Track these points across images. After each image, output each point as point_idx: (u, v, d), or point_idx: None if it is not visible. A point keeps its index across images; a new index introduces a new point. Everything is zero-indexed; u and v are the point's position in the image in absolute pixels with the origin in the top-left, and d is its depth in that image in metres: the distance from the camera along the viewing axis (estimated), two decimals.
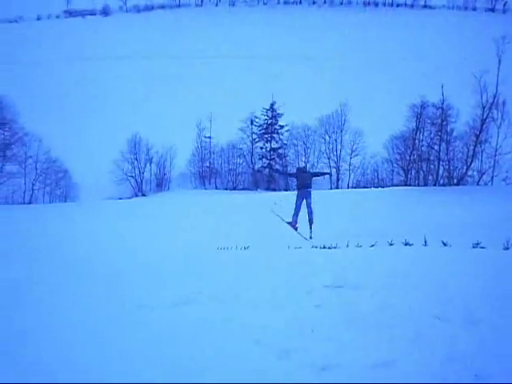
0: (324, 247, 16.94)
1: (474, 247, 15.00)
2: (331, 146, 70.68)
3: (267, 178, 71.46)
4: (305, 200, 16.83)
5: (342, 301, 8.59)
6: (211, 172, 73.09)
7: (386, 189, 59.96)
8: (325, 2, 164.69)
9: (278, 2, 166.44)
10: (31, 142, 62.01)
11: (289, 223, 17.47)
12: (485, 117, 61.52)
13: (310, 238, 16.30)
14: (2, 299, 9.93)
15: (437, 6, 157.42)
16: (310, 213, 16.78)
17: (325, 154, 70.67)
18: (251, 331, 7.32)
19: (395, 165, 66.74)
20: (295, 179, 17.32)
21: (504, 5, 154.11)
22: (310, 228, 16.85)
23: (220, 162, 73.74)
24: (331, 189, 66.84)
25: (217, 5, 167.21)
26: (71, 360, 6.63)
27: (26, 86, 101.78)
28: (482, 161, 63.07)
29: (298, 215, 16.39)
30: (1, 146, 59.95)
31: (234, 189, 69.55)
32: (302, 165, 16.26)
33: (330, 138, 70.64)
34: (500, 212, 30.98)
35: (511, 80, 62.72)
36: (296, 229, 16.91)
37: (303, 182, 16.91)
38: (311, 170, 14.23)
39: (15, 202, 59.36)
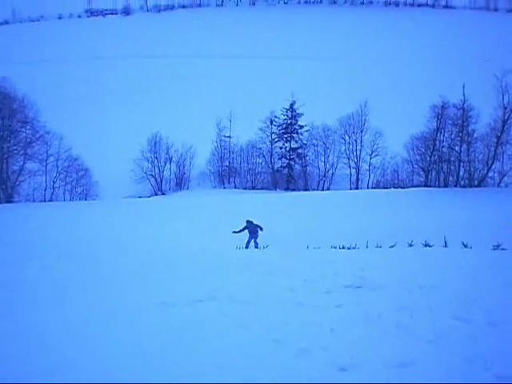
0: (343, 247, 16.95)
1: (494, 249, 14.93)
2: (351, 147, 70.36)
3: (286, 177, 71.41)
4: (253, 239, 22.42)
5: (362, 301, 8.59)
6: (230, 171, 73.10)
7: (406, 189, 59.75)
8: (345, 1, 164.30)
9: (299, 2, 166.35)
10: (52, 141, 62.42)
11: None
12: (506, 118, 60.99)
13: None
14: (24, 299, 10.08)
15: (458, 6, 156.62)
16: (256, 246, 22.09)
17: (344, 155, 70.32)
18: (270, 330, 7.36)
19: (415, 165, 66.32)
20: (247, 229, 22.66)
21: None
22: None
23: (239, 162, 73.70)
24: (351, 189, 66.76)
25: (237, 4, 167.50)
26: (93, 358, 6.71)
27: (47, 85, 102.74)
28: (503, 162, 62.55)
29: (247, 247, 21.80)
30: (22, 144, 60.41)
31: (253, 188, 69.49)
32: (253, 221, 19.20)
33: (349, 138, 70.33)
34: None
35: None
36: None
37: (253, 230, 22.59)
38: (256, 223, 18.54)
39: (36, 200, 59.88)
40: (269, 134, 73.65)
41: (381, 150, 68.88)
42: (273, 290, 9.60)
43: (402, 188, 62.23)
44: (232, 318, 7.94)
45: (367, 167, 70.02)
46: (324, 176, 70.42)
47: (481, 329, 7.16)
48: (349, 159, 70.68)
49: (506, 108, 60.89)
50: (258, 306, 8.55)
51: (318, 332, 7.24)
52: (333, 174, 70.29)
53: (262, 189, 68.99)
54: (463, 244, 15.65)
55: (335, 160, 70.64)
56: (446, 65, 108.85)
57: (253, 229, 22.69)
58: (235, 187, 70.83)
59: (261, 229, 22.76)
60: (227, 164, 74.06)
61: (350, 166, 70.44)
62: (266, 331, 7.31)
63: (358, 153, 70.60)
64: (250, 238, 22.63)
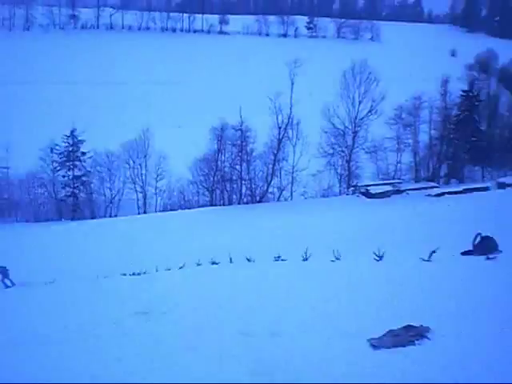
0: (134, 274, 16.83)
1: (275, 260, 15.79)
2: (136, 171, 70.06)
3: (72, 207, 69.08)
4: (6, 278, 23.04)
5: (150, 326, 8.58)
6: (10, 204, 69.04)
7: (192, 210, 60.98)
8: (123, 27, 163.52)
9: (75, 27, 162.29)
10: None
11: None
12: (281, 137, 65.45)
13: (10, 286, 22.58)
14: None
15: (232, 32, 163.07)
16: (12, 284, 22.73)
17: (130, 180, 69.90)
18: (57, 366, 7.08)
19: (200, 186, 67.98)
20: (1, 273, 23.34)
21: (295, 30, 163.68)
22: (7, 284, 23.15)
23: (19, 193, 69.95)
24: (139, 214, 66.32)
25: (10, 29, 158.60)
26: None
27: None
28: (281, 178, 66.74)
29: (6, 287, 22.36)
30: None
31: (37, 221, 66.22)
32: None
33: (134, 163, 70.08)
34: (299, 225, 32.80)
35: (303, 102, 67.27)
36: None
37: (3, 271, 23.19)
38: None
39: None
40: (49, 162, 70.71)
41: (166, 173, 69.42)
42: (60, 326, 9.23)
43: (188, 209, 63.32)
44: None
45: (154, 191, 70.14)
46: (111, 202, 69.21)
47: (264, 340, 7.49)
48: (135, 184, 70.18)
49: (280, 127, 65.10)
50: (49, 344, 8.19)
51: (105, 363, 7.09)
52: (119, 199, 69.32)
53: (46, 220, 65.87)
54: (247, 259, 16.34)
55: (121, 185, 69.78)
56: (225, 88, 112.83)
57: (3, 270, 23.66)
58: (17, 221, 66.87)
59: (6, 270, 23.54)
60: (6, 197, 69.68)
61: (136, 191, 69.98)
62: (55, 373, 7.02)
63: (144, 177, 70.48)
64: (2, 278, 23.36)
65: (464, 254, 15.03)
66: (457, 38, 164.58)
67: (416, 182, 71.59)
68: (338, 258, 14.70)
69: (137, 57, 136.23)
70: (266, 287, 10.73)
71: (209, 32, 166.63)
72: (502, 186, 63.24)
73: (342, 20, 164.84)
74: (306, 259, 15.22)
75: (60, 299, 11.99)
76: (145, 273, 16.87)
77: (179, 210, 62.40)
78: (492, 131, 79.06)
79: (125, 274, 17.13)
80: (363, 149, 69.48)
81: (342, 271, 12.37)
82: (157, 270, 17.25)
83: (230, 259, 16.56)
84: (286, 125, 65.87)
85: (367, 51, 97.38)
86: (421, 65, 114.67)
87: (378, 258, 14.06)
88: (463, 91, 77.29)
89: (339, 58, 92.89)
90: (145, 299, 10.57)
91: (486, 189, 63.42)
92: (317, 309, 8.80)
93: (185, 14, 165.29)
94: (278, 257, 15.85)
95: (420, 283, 10.42)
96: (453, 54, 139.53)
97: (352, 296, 9.59)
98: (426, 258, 13.24)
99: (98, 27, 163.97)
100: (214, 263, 16.47)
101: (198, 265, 16.77)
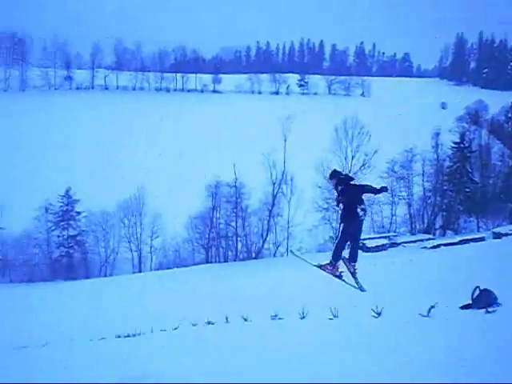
0: (129, 335, 16.47)
1: (272, 319, 15.52)
2: (131, 230, 70.12)
3: (66, 267, 68.61)
4: None
5: None
6: (4, 264, 68.58)
7: (188, 268, 60.61)
8: (117, 87, 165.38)
9: (70, 88, 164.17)
10: None
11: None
12: (275, 192, 65.86)
13: None
14: None
15: (225, 90, 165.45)
16: None
17: (125, 238, 69.83)
18: None
19: (195, 244, 67.97)
20: None
21: (287, 88, 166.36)
22: None
23: (13, 254, 69.56)
24: (134, 273, 65.90)
25: (6, 90, 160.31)
26: None
27: None
28: (276, 233, 66.83)
29: None
30: None
31: (31, 281, 65.65)
32: None
33: (129, 221, 70.18)
34: (295, 282, 32.51)
35: (296, 157, 67.81)
36: None
37: None
38: None
39: None
40: (44, 222, 70.63)
41: (161, 231, 69.40)
42: None
43: (184, 267, 62.99)
44: None
45: (149, 249, 69.95)
46: (106, 262, 68.82)
47: None
48: (130, 243, 70.06)
49: (274, 183, 65.54)
50: None
51: None
52: (114, 259, 69.01)
53: (41, 281, 65.28)
54: (243, 318, 16.06)
55: (116, 244, 69.60)
56: (218, 145, 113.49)
57: None
58: (11, 281, 66.23)
59: None
60: (0, 257, 69.26)
61: (131, 250, 69.75)
62: None
63: (139, 235, 70.37)
64: None
65: (463, 308, 14.80)
66: (446, 91, 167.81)
67: (412, 234, 71.63)
68: (335, 316, 14.45)
69: (130, 117, 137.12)
70: (265, 347, 10.49)
71: (202, 91, 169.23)
72: (497, 235, 63.24)
73: (333, 77, 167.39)
74: (304, 317, 14.98)
75: (53, 363, 11.69)
76: (139, 334, 16.53)
77: (174, 268, 62.07)
78: (485, 181, 79.69)
79: (119, 336, 16.78)
80: None
81: (340, 330, 12.14)
82: (152, 331, 16.93)
83: (226, 318, 16.28)
84: (280, 180, 66.46)
85: (358, 106, 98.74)
86: (412, 118, 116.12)
87: (376, 315, 13.84)
88: (455, 143, 78.39)
89: (331, 113, 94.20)
90: (138, 363, 10.32)
91: (482, 239, 63.35)
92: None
93: (178, 74, 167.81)
94: (275, 315, 15.60)
95: (420, 340, 10.22)
96: (443, 107, 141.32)
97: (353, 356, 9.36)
98: (425, 314, 13.02)
99: (92, 88, 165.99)
100: (209, 323, 16.16)
101: (194, 325, 16.46)
